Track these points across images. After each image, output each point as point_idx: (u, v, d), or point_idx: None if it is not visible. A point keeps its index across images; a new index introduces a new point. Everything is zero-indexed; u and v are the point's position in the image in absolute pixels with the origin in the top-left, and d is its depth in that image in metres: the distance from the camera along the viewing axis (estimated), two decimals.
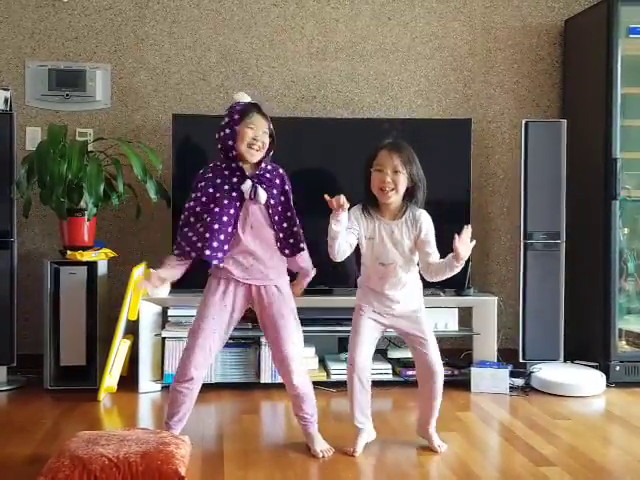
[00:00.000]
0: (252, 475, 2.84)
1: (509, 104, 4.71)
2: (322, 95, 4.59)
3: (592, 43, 4.33)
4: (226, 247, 2.94)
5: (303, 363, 3.08)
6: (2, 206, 3.96)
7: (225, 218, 2.92)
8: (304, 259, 3.09)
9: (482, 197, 4.63)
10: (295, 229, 3.03)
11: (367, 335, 3.06)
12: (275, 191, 3.00)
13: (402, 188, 2.97)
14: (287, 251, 3.02)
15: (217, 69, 4.54)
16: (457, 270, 2.91)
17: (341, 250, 2.93)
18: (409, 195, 3.01)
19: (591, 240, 4.31)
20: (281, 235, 3.00)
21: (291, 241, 3.02)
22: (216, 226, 2.91)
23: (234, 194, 2.95)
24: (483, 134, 4.66)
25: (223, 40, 4.54)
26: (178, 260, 2.99)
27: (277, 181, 3.01)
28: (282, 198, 3.02)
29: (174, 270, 3.00)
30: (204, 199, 2.97)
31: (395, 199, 2.99)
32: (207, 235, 2.91)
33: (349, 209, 2.90)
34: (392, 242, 3.01)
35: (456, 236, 2.82)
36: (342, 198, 2.82)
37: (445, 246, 3.01)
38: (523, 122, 4.25)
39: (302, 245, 3.03)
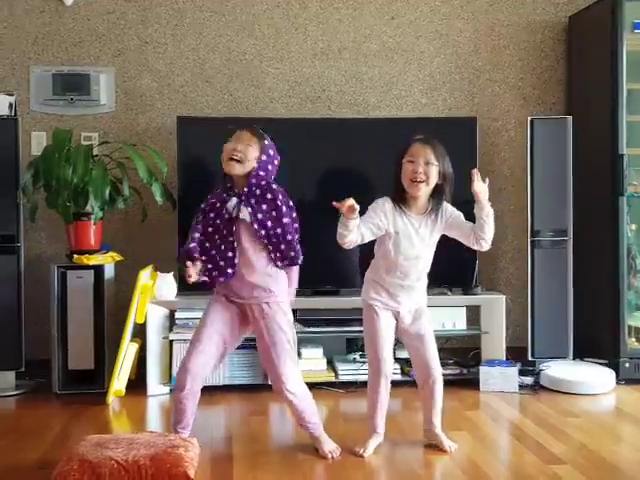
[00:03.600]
0: (261, 477, 2.83)
1: (514, 102, 4.69)
2: (326, 95, 4.59)
3: (596, 39, 4.31)
4: (229, 270, 2.97)
5: (298, 379, 3.04)
6: (8, 211, 3.97)
7: (223, 246, 2.98)
8: (290, 275, 3.08)
9: (488, 195, 4.59)
10: (282, 246, 2.98)
11: (387, 337, 3.05)
12: (265, 206, 2.97)
13: (433, 181, 2.96)
14: (279, 263, 3.01)
15: (221, 71, 4.54)
16: (489, 216, 2.97)
17: (351, 244, 2.92)
18: (437, 192, 3.01)
19: (599, 237, 4.29)
20: (270, 248, 2.99)
21: (278, 255, 3.00)
22: (218, 257, 2.98)
23: (226, 215, 2.99)
24: (489, 132, 4.64)
25: (227, 42, 4.54)
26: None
27: (268, 196, 2.99)
28: (274, 213, 2.98)
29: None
30: (208, 224, 3.03)
31: (424, 192, 2.98)
32: (209, 266, 3.00)
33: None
34: (419, 237, 3.01)
35: (473, 182, 2.91)
36: (351, 201, 2.80)
37: (452, 244, 3.04)
38: (529, 119, 4.24)
39: (285, 262, 3.01)
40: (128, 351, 3.95)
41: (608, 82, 4.16)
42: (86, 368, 4.00)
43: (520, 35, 4.69)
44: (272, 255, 2.99)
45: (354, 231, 2.87)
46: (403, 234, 2.98)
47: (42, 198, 4.03)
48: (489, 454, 3.11)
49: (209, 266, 3.00)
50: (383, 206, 2.98)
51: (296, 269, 3.08)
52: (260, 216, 2.96)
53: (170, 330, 4.07)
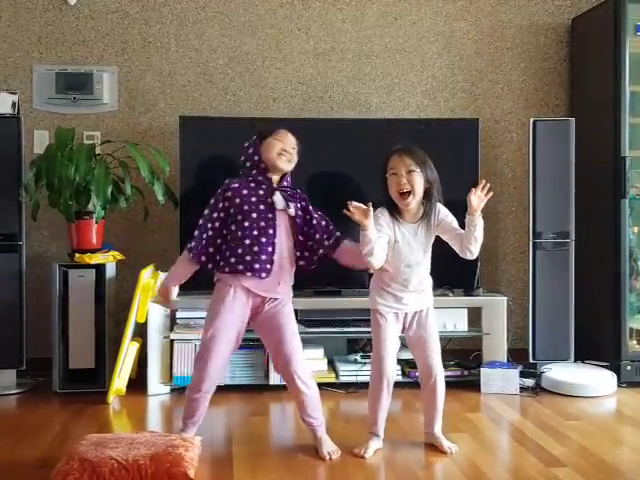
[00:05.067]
0: (261, 477, 2.83)
1: (517, 103, 4.69)
2: (329, 96, 4.59)
3: (599, 41, 4.31)
4: (268, 266, 2.98)
5: (306, 367, 3.10)
6: (10, 209, 3.97)
7: (264, 239, 2.97)
8: (348, 246, 3.10)
9: (490, 197, 4.60)
10: (330, 226, 3.12)
11: (392, 344, 3.07)
12: (299, 204, 3.08)
13: (419, 188, 2.97)
14: (329, 250, 3.09)
15: (224, 71, 4.54)
16: (478, 227, 2.93)
17: (378, 260, 2.92)
18: (426, 196, 3.02)
19: (600, 239, 4.28)
20: (322, 231, 3.08)
21: (331, 240, 3.09)
22: (256, 248, 2.96)
23: (262, 207, 2.99)
24: (491, 134, 4.64)
25: (229, 42, 4.54)
26: (194, 264, 3.04)
27: (297, 194, 3.10)
28: (307, 206, 3.11)
29: (186, 277, 3.09)
30: (242, 217, 2.98)
31: (414, 203, 2.99)
32: (247, 258, 2.96)
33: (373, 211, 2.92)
34: (417, 243, 3.03)
35: (472, 189, 2.92)
36: (361, 205, 2.84)
37: (450, 247, 3.05)
38: (531, 121, 4.23)
39: (338, 235, 3.11)
40: (129, 350, 3.95)
41: (611, 84, 4.16)
42: (87, 367, 4.00)
43: (523, 37, 4.69)
44: (324, 242, 3.08)
45: (376, 242, 2.87)
46: (402, 242, 3.01)
47: (44, 197, 4.03)
48: (490, 456, 3.10)
49: (247, 258, 2.96)
50: (384, 216, 3.00)
51: (348, 242, 3.11)
52: (300, 212, 3.06)
53: (171, 330, 4.07)
